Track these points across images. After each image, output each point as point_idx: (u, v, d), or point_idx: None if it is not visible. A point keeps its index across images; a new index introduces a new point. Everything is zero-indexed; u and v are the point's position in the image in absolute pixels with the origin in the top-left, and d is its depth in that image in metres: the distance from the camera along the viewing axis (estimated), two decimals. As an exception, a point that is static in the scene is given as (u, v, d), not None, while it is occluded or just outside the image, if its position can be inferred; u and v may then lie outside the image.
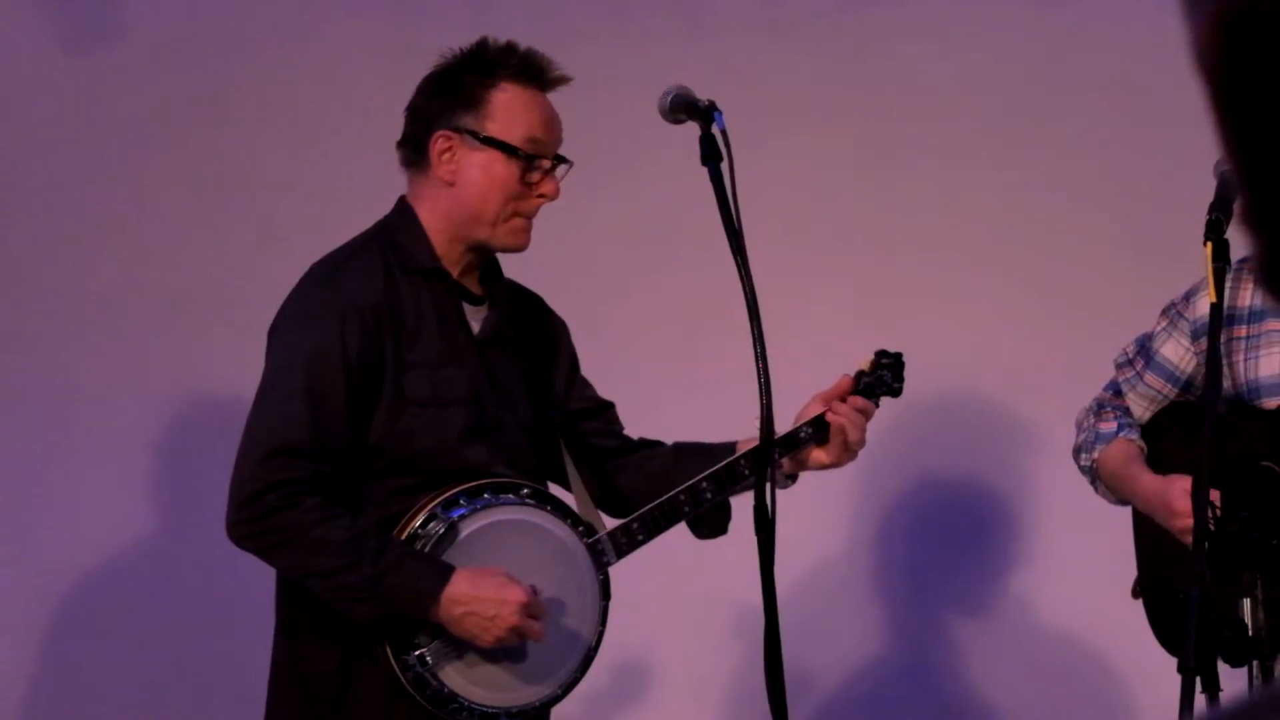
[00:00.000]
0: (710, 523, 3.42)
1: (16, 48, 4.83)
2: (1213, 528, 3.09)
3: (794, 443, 3.36)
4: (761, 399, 2.94)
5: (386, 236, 3.31)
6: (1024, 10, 4.88)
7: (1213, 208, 3.11)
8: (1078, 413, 3.64)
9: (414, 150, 3.29)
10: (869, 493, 4.84)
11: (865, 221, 4.91)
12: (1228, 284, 3.36)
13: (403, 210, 3.33)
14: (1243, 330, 3.37)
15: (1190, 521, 3.15)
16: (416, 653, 3.14)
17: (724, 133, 3.08)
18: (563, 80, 3.35)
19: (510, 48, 3.33)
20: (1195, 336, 3.44)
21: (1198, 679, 2.95)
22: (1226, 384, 3.38)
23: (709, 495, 3.34)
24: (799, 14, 4.89)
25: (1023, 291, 4.84)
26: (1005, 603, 4.83)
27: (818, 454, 3.38)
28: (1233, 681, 3.12)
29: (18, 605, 4.70)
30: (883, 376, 3.46)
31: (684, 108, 3.15)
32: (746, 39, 4.89)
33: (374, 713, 3.19)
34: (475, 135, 3.26)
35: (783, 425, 3.26)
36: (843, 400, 3.39)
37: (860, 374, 3.44)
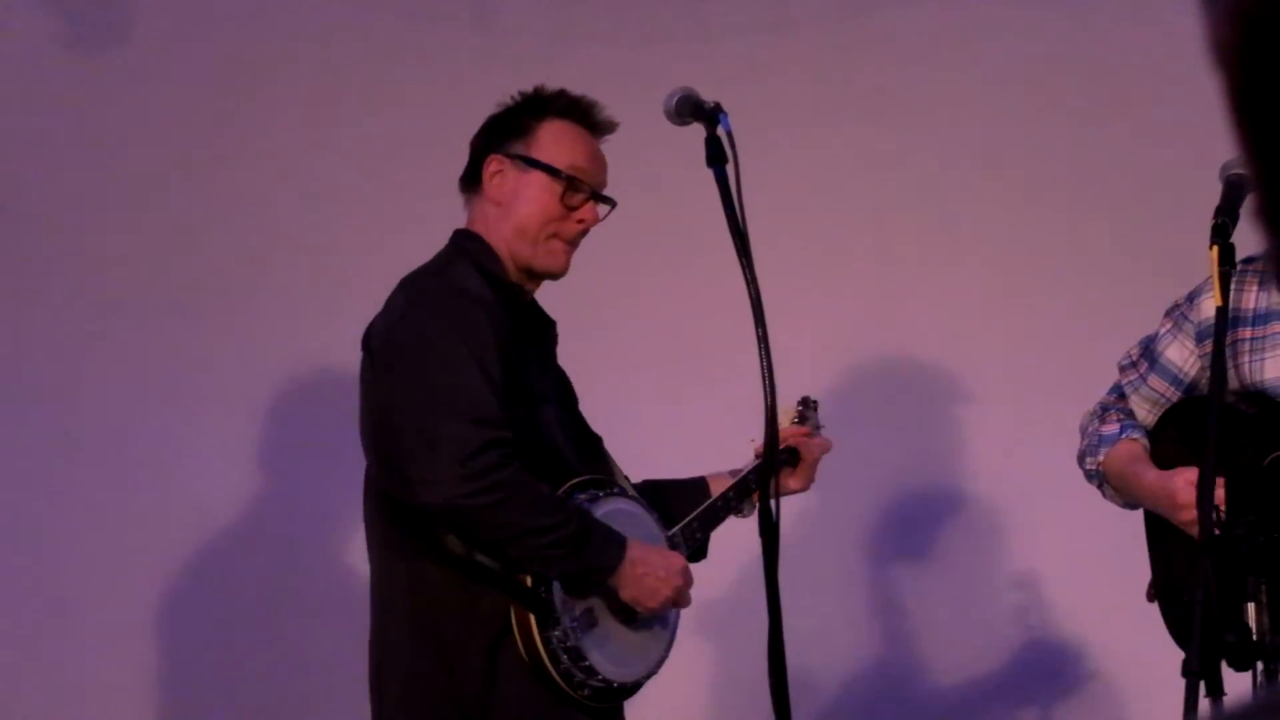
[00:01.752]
0: (698, 551, 3.67)
1: (21, 46, 4.83)
2: (1217, 531, 3.09)
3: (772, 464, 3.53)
4: (766, 399, 2.94)
5: (465, 255, 3.48)
6: (1029, 12, 4.88)
7: (1219, 211, 3.10)
8: (1081, 418, 3.63)
9: (470, 177, 3.53)
10: (867, 496, 4.84)
11: (870, 223, 4.91)
12: (1232, 287, 3.36)
13: (468, 235, 3.52)
14: (1247, 332, 3.36)
15: (1195, 514, 3.16)
16: (559, 629, 3.30)
17: (729, 134, 3.10)
18: (610, 126, 3.55)
19: (562, 91, 3.53)
20: (1200, 339, 3.43)
21: (1202, 683, 2.94)
22: (1231, 386, 3.37)
23: (734, 503, 3.63)
24: (804, 16, 4.89)
25: (1026, 293, 4.84)
26: (1005, 607, 4.83)
27: (785, 480, 3.60)
28: (1236, 686, 3.12)
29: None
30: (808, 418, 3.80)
31: (689, 109, 3.16)
32: (752, 41, 4.89)
33: (521, 689, 3.31)
34: (522, 158, 3.47)
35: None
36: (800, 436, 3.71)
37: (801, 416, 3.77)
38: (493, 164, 3.48)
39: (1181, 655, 3.36)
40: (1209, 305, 3.40)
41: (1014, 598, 4.82)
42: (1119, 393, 3.58)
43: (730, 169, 3.07)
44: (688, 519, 3.58)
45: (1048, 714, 4.79)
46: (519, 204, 3.46)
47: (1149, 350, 3.54)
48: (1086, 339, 4.51)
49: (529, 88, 3.54)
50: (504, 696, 3.32)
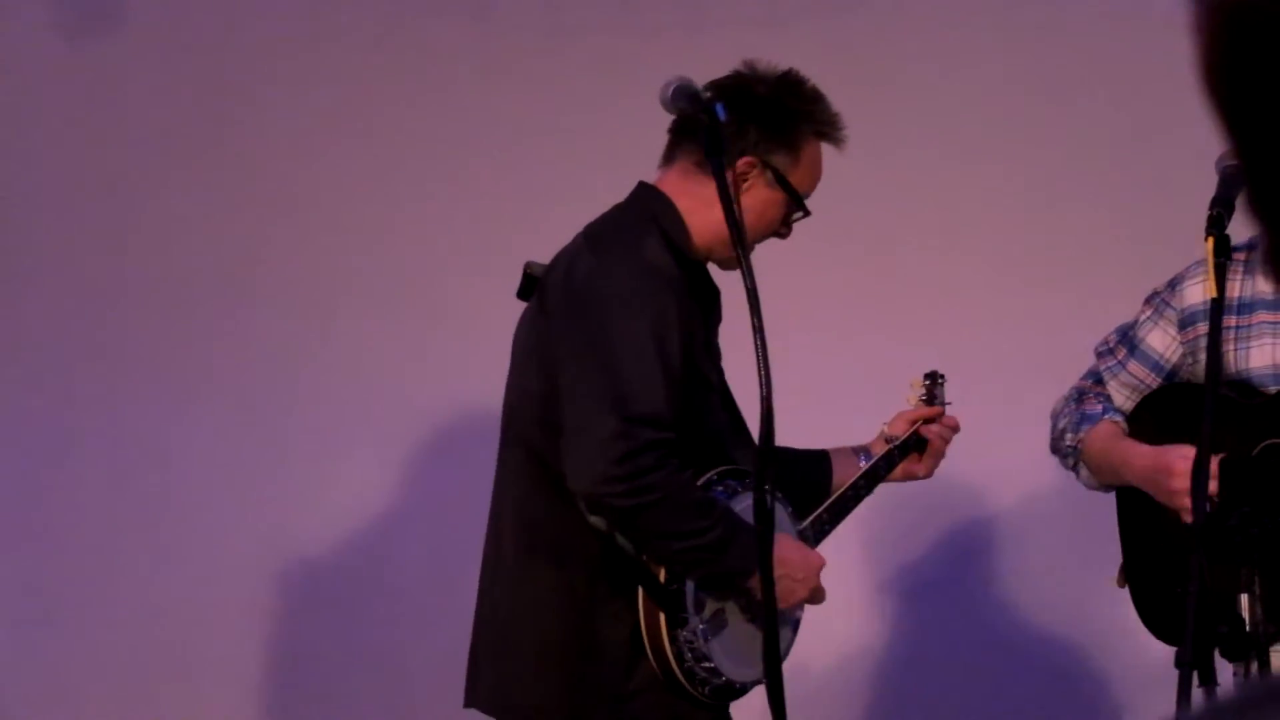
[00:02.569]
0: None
1: (17, 36, 4.83)
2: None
3: (905, 450, 3.68)
4: (761, 390, 2.94)
5: (656, 222, 3.38)
6: (1026, 5, 4.88)
7: (1214, 202, 3.10)
8: (1054, 403, 3.62)
9: (713, 152, 3.14)
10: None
11: (866, 216, 4.91)
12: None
13: (662, 200, 3.41)
14: (1232, 321, 3.36)
15: (1185, 491, 3.17)
16: (687, 628, 3.31)
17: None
18: (845, 144, 3.50)
19: (821, 98, 3.45)
20: (1183, 325, 3.44)
21: (1195, 674, 2.95)
22: None
23: (864, 493, 3.66)
24: (801, 8, 4.88)
25: (1022, 287, 4.84)
26: (1002, 602, 4.83)
27: (912, 467, 3.68)
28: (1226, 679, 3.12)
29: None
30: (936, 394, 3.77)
31: (686, 99, 3.15)
32: (748, 33, 4.89)
33: (654, 677, 3.33)
34: (779, 177, 3.41)
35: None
36: (927, 421, 3.70)
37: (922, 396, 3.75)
38: (745, 166, 3.37)
39: (1155, 640, 3.38)
40: (1192, 293, 3.41)
41: (1010, 593, 4.82)
42: (1096, 378, 3.57)
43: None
44: (818, 512, 3.57)
45: (1043, 703, 4.80)
46: (752, 217, 3.31)
47: (1127, 336, 3.54)
48: (1086, 334, 4.50)
49: (784, 68, 3.41)
50: (640, 687, 3.33)
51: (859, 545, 4.86)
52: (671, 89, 3.15)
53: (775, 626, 3.08)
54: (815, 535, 3.55)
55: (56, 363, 4.80)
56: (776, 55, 4.90)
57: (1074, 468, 3.53)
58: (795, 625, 3.51)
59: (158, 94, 4.87)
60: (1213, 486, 3.15)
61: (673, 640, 3.31)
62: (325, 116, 4.92)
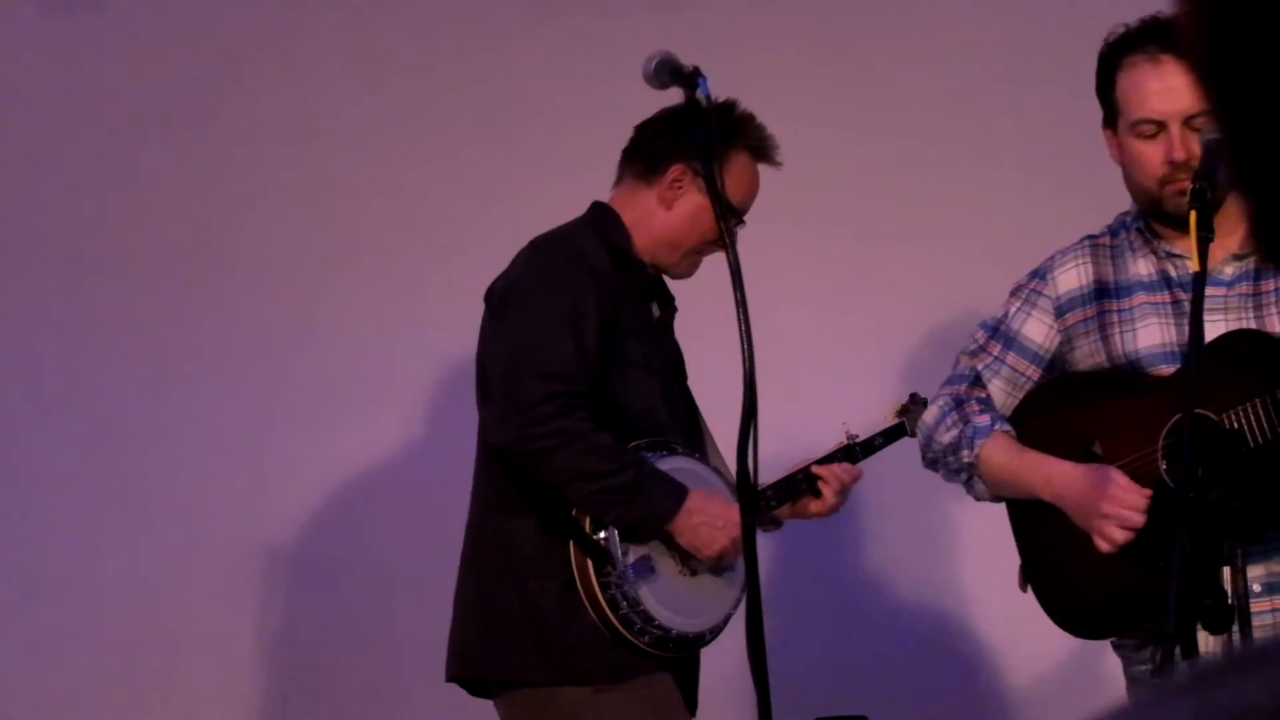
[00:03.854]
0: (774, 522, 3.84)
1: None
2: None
3: (793, 490, 3.77)
4: (745, 365, 2.94)
5: (596, 226, 3.71)
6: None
7: (1197, 176, 3.11)
8: (925, 414, 3.54)
9: (646, 167, 3.72)
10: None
11: (854, 196, 4.91)
12: (1090, 259, 3.41)
13: (607, 211, 3.75)
14: (1113, 304, 3.38)
15: (1117, 518, 3.20)
16: (615, 574, 3.50)
17: (709, 98, 3.10)
18: (777, 165, 3.77)
19: (752, 119, 3.74)
20: (1060, 313, 3.43)
21: (1177, 647, 2.96)
22: (1100, 358, 3.38)
23: (805, 485, 3.75)
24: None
25: (1013, 264, 4.84)
26: (996, 581, 4.84)
27: (813, 505, 3.77)
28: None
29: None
30: (874, 443, 3.87)
31: (669, 73, 3.17)
32: (732, 10, 4.89)
33: (595, 629, 3.52)
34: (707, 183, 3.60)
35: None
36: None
37: (852, 445, 3.84)
38: (676, 172, 3.70)
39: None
40: (1066, 279, 3.43)
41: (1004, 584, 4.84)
42: (970, 380, 3.51)
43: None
44: (763, 486, 3.64)
45: (1033, 688, 4.81)
46: (684, 220, 3.70)
47: (1000, 332, 3.49)
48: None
49: (720, 96, 3.55)
50: (580, 635, 3.52)
51: (845, 530, 4.87)
52: (654, 62, 3.16)
53: (758, 595, 3.07)
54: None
55: (35, 338, 4.79)
56: (758, 32, 4.90)
57: (967, 482, 3.47)
58: (742, 588, 3.54)
59: (139, 64, 4.86)
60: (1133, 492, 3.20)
61: (603, 588, 3.51)
62: (308, 93, 4.92)
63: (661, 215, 3.71)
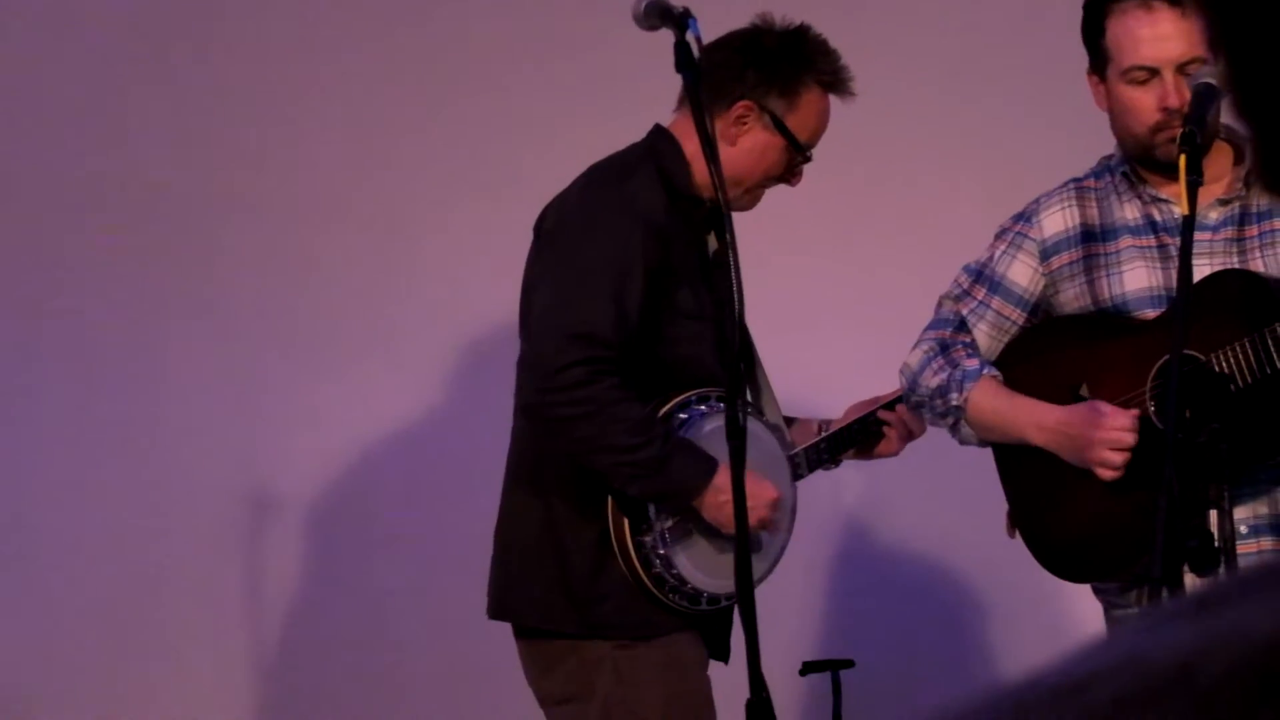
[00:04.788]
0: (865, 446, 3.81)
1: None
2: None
3: (868, 431, 3.76)
4: (736, 305, 2.94)
5: (656, 159, 3.54)
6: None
7: (1186, 120, 3.10)
8: (910, 357, 3.52)
9: (712, 97, 3.38)
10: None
11: (863, 146, 4.90)
12: (1075, 202, 3.41)
13: (669, 140, 3.56)
14: (1098, 248, 3.38)
15: (1116, 466, 3.20)
16: (651, 534, 3.45)
17: (699, 40, 3.09)
18: (852, 96, 3.60)
19: (826, 49, 3.58)
20: (1045, 256, 3.42)
21: (1164, 590, 2.98)
22: (1086, 301, 3.38)
23: (874, 427, 3.74)
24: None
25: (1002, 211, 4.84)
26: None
27: (881, 445, 3.76)
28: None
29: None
30: None
31: (658, 13, 3.16)
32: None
33: (625, 582, 3.47)
34: (777, 121, 3.55)
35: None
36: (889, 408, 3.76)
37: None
38: (742, 109, 3.55)
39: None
40: (1052, 222, 3.42)
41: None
42: (957, 325, 3.50)
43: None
44: (816, 440, 3.71)
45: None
46: (749, 157, 3.55)
47: (984, 275, 3.48)
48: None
49: (791, 21, 3.55)
50: (608, 589, 3.47)
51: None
52: (644, 3, 3.15)
53: (746, 548, 3.08)
54: (809, 463, 3.70)
55: (19, 284, 4.77)
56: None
57: (953, 426, 3.47)
58: (775, 557, 3.58)
59: (134, 21, 4.83)
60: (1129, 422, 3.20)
61: (638, 547, 3.46)
62: (304, 38, 4.89)
63: (725, 151, 3.47)
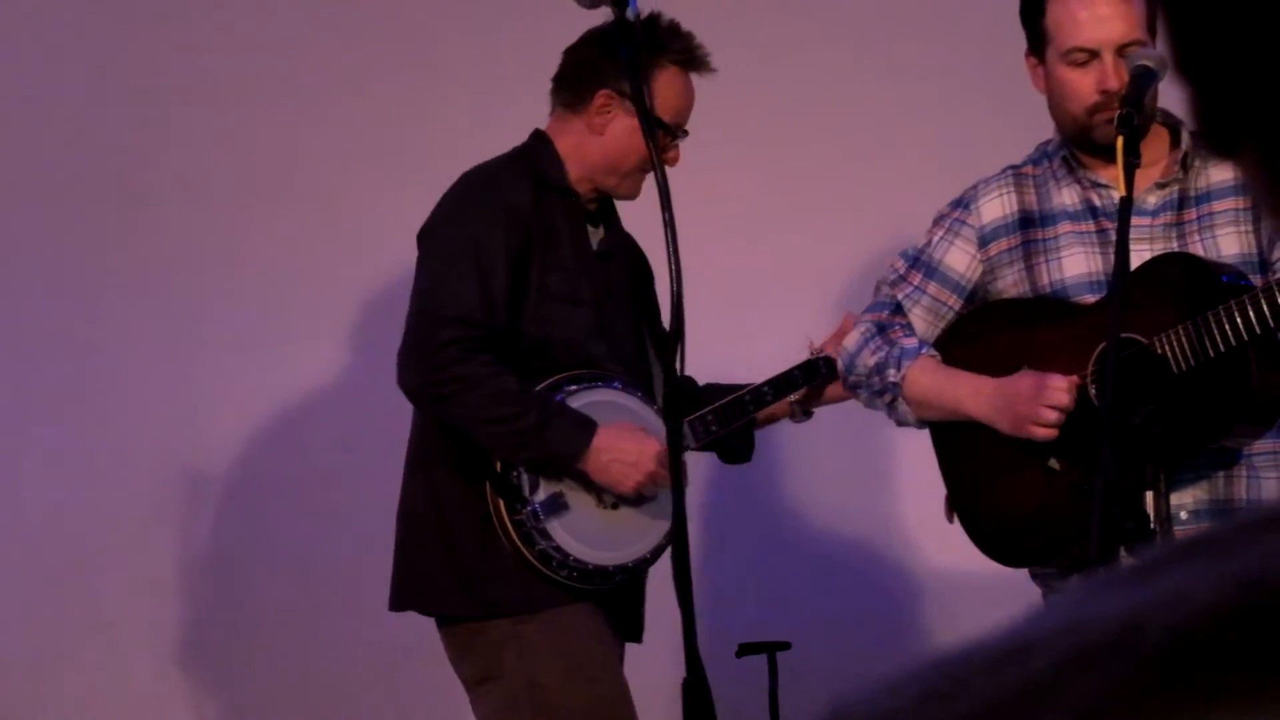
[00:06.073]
0: (739, 450, 3.90)
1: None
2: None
3: (813, 373, 3.82)
4: (672, 284, 2.93)
5: (527, 159, 3.73)
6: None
7: (1124, 101, 3.11)
8: (847, 340, 3.53)
9: (573, 95, 3.74)
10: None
11: (784, 118, 4.90)
12: (1014, 189, 3.42)
13: (543, 140, 3.77)
14: (1038, 233, 3.38)
15: (1049, 424, 3.19)
16: (524, 512, 3.55)
17: (638, 17, 3.08)
18: (711, 71, 3.74)
19: (676, 30, 3.72)
20: (983, 243, 3.43)
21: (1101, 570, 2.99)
22: (1025, 287, 3.39)
23: (769, 398, 3.81)
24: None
25: (941, 189, 4.84)
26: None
27: (834, 389, 3.79)
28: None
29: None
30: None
31: (597, -8, 3.14)
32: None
33: (511, 563, 3.57)
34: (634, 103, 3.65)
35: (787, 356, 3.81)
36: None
37: None
38: (602, 97, 3.70)
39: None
40: (990, 209, 3.43)
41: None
42: (891, 308, 3.51)
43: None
44: (701, 412, 3.75)
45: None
46: (618, 143, 3.69)
47: (920, 261, 3.49)
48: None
49: (641, 11, 3.53)
50: (497, 569, 3.57)
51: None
52: (584, -17, 3.14)
53: (684, 529, 3.07)
54: (695, 435, 3.75)
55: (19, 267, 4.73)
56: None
57: (890, 404, 3.46)
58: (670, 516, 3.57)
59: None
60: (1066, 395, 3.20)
61: (516, 525, 3.56)
62: (244, 10, 4.86)
63: (594, 142, 3.72)
